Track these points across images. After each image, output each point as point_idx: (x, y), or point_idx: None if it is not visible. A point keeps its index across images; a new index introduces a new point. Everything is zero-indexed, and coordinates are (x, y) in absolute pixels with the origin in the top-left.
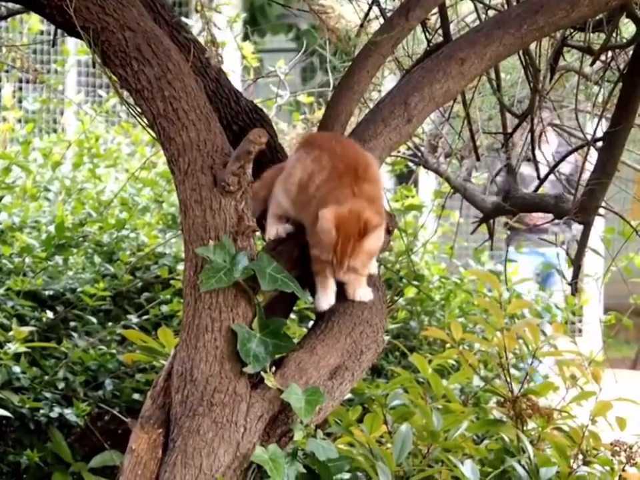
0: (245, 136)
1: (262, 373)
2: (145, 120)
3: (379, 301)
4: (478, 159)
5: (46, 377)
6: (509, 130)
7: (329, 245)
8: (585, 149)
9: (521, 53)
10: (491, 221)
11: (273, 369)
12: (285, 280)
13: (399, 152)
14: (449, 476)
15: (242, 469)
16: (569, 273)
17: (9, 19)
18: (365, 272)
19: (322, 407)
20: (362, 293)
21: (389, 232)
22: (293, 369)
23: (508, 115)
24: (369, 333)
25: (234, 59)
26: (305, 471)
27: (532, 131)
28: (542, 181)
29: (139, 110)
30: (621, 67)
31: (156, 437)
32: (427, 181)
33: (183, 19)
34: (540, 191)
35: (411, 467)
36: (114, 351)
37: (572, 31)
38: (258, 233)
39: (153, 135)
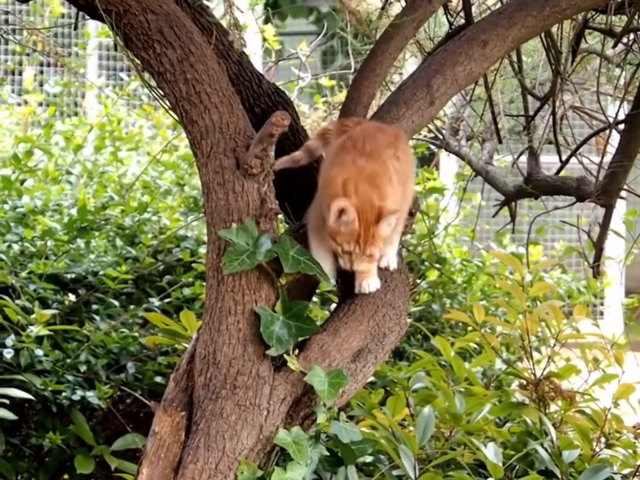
0: (268, 118)
1: (285, 355)
2: (168, 103)
3: (402, 283)
4: (500, 142)
5: (68, 360)
6: (531, 113)
7: (352, 235)
8: (607, 131)
9: (542, 35)
10: (513, 203)
11: (296, 351)
12: (308, 262)
13: (420, 135)
14: (472, 459)
15: (265, 451)
16: (590, 256)
17: (31, 2)
18: (381, 259)
19: (345, 389)
20: (372, 282)
21: (411, 214)
22: (316, 351)
23: (529, 98)
24: (392, 315)
25: (255, 42)
26: (328, 453)
27: (554, 113)
28: (564, 163)
29: (161, 93)
30: None
31: (179, 419)
32: (449, 164)
33: (205, 1)
34: None
35: (434, 450)
36: (136, 334)
37: (594, 13)
38: (280, 216)
39: (175, 117)
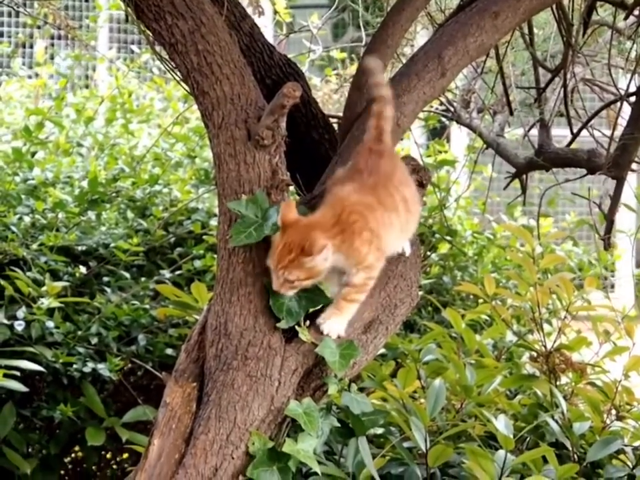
0: (279, 90)
1: (296, 327)
2: (179, 74)
3: (413, 254)
4: (511, 114)
5: (79, 332)
6: (542, 85)
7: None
8: (618, 104)
9: (554, 7)
10: (524, 176)
11: (307, 322)
12: None
13: (431, 107)
14: (482, 431)
15: (276, 422)
16: (601, 229)
17: None
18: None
19: (356, 360)
20: (329, 324)
21: (422, 186)
22: None
23: (541, 70)
24: (403, 286)
25: (266, 14)
26: (339, 424)
27: (565, 86)
28: (575, 136)
29: (173, 64)
30: None
31: (190, 390)
32: (459, 137)
33: None
34: None
35: (444, 422)
36: (147, 306)
37: None
38: (292, 188)
39: (187, 89)
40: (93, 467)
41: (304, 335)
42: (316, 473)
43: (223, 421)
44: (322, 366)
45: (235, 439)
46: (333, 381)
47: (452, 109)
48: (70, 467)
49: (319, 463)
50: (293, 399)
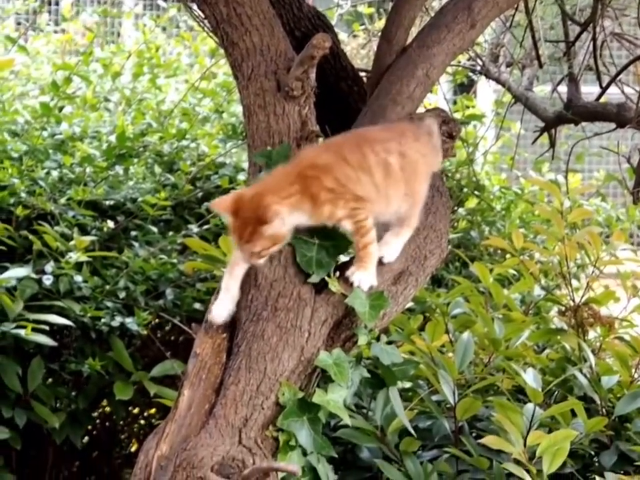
0: (308, 42)
1: (326, 277)
2: (208, 26)
3: (443, 206)
4: (540, 67)
5: (107, 286)
6: (571, 39)
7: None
8: None
9: None
10: (553, 130)
11: (337, 273)
12: None
13: (458, 62)
14: (511, 384)
15: (306, 373)
16: (631, 184)
17: None
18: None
19: (386, 311)
20: (357, 275)
21: (452, 137)
22: None
23: (570, 24)
24: (433, 238)
25: None
26: (369, 375)
27: (594, 39)
28: (604, 89)
29: (202, 15)
30: None
31: (220, 341)
32: (486, 93)
33: None
34: None
35: (473, 375)
36: (175, 260)
37: None
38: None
39: (216, 40)
40: (121, 422)
41: (334, 286)
42: (344, 426)
43: (253, 372)
44: (352, 317)
45: (265, 389)
46: (363, 331)
47: (481, 63)
48: (98, 421)
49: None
50: (323, 349)
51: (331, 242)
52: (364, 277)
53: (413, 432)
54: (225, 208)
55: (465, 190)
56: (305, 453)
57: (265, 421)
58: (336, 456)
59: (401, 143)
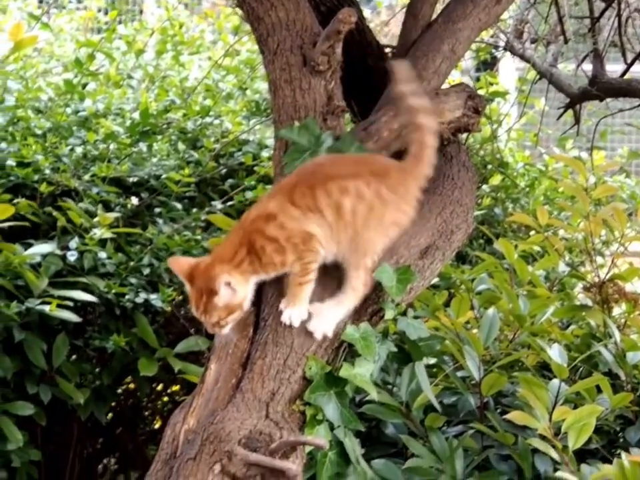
0: (333, 17)
1: None
2: (233, 1)
3: (469, 181)
4: (566, 42)
5: (131, 263)
6: (596, 14)
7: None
8: None
9: None
10: (577, 106)
11: None
12: None
13: (482, 39)
14: (536, 360)
15: (333, 347)
16: None
17: None
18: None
19: (413, 286)
20: (288, 312)
21: (477, 112)
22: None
23: (595, 0)
24: (459, 212)
25: None
26: (396, 349)
27: (619, 15)
28: (629, 65)
29: None
30: None
31: (247, 315)
32: (509, 69)
33: None
34: None
35: (498, 351)
36: (199, 237)
37: None
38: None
39: (241, 15)
40: (145, 398)
41: None
42: (369, 402)
43: (280, 346)
44: (379, 291)
45: (292, 363)
46: (390, 306)
47: (505, 40)
48: (122, 397)
49: None
50: (350, 323)
51: None
52: (295, 314)
53: (438, 407)
54: (182, 273)
55: (489, 167)
56: (332, 427)
57: (291, 395)
58: (362, 430)
59: (367, 183)
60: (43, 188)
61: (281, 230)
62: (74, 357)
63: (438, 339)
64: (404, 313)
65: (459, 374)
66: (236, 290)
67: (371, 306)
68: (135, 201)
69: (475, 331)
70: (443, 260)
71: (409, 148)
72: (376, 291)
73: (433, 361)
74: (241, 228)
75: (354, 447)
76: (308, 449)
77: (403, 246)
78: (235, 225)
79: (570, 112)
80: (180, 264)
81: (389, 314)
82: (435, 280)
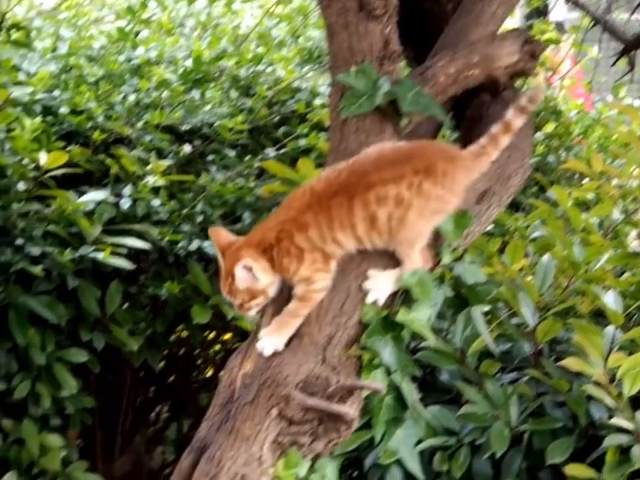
0: None
1: None
2: None
3: (526, 126)
4: None
5: (184, 210)
6: None
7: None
8: None
9: None
10: (632, 53)
11: None
12: (427, 103)
13: None
14: (590, 307)
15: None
16: None
17: None
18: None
19: (469, 230)
20: (265, 340)
21: (534, 57)
22: None
23: None
24: (516, 157)
25: None
26: (452, 294)
27: None
28: None
29: None
30: None
31: None
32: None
33: None
34: None
35: (553, 298)
36: (252, 185)
37: None
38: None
39: None
40: (198, 347)
41: None
42: (424, 348)
43: (336, 290)
44: (435, 236)
45: (349, 308)
46: (447, 250)
47: None
48: (175, 345)
49: None
50: None
51: None
52: (269, 343)
53: (495, 352)
54: (219, 246)
55: (543, 114)
56: (388, 372)
57: (348, 339)
58: (419, 375)
59: (409, 185)
60: (96, 135)
61: (307, 242)
62: (127, 304)
63: (494, 284)
64: (460, 258)
65: (513, 321)
66: (257, 276)
67: (428, 251)
68: (187, 148)
69: (529, 278)
70: (500, 205)
71: (487, 130)
72: (433, 236)
73: (486, 307)
74: (275, 222)
75: (410, 392)
76: (365, 393)
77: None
78: (275, 212)
79: (623, 59)
80: (219, 236)
81: (446, 259)
82: (490, 227)
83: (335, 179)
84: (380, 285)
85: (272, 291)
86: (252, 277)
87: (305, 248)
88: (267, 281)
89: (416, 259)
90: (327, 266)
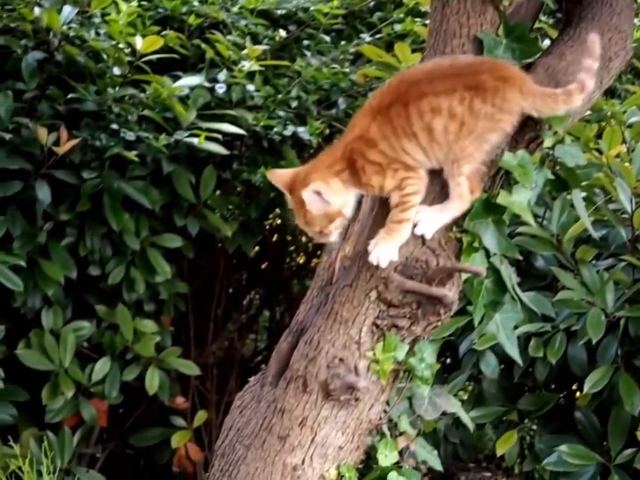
0: None
1: None
2: None
3: (628, 7)
4: None
5: (279, 96)
6: None
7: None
8: None
9: None
10: None
11: None
12: None
13: None
14: None
15: (490, 174)
16: None
17: None
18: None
19: (571, 112)
20: (377, 251)
21: None
22: (542, 74)
23: None
24: (618, 39)
25: None
26: (553, 177)
27: None
28: None
29: None
30: None
31: None
32: None
33: None
34: None
35: None
36: (347, 70)
37: None
38: None
39: None
40: (290, 234)
41: None
42: (519, 234)
43: (436, 172)
44: (536, 118)
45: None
46: (548, 133)
47: None
48: (268, 232)
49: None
50: (507, 150)
51: (520, 44)
52: (384, 252)
53: (595, 235)
54: (283, 184)
55: None
56: (488, 255)
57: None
58: (520, 258)
59: (461, 99)
60: (192, 20)
61: (382, 156)
62: (221, 190)
63: (595, 167)
64: (561, 141)
65: (610, 207)
66: (329, 197)
67: (529, 133)
68: (283, 33)
69: (626, 164)
70: (601, 87)
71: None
72: (533, 118)
73: (583, 194)
74: (341, 143)
75: (510, 275)
76: (464, 276)
77: (560, 72)
78: (335, 141)
79: None
80: (280, 175)
81: (547, 141)
82: (586, 113)
83: (387, 90)
84: (428, 217)
85: (348, 211)
86: (322, 200)
87: (382, 162)
88: (339, 202)
89: (462, 184)
90: (411, 172)
